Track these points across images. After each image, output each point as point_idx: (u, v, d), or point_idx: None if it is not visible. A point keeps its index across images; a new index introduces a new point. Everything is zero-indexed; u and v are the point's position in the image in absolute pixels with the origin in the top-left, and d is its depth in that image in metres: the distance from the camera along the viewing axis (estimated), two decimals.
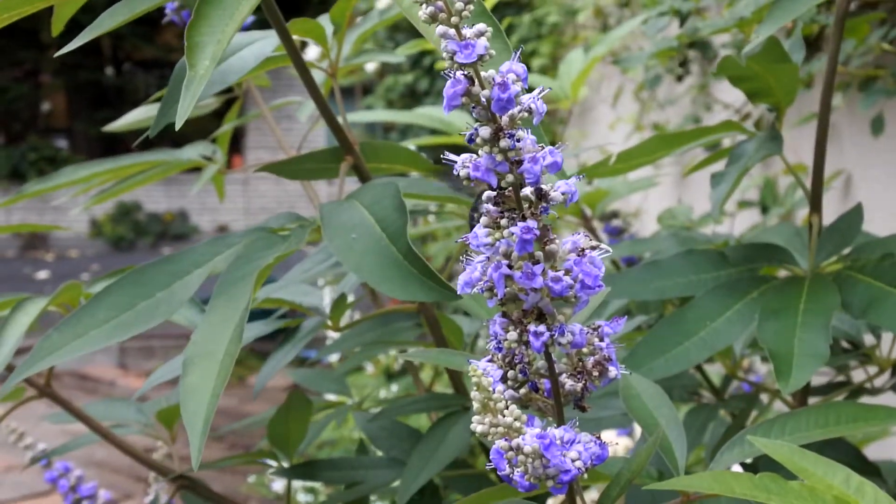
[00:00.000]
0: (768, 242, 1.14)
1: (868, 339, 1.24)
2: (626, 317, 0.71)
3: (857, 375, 1.35)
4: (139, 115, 1.52)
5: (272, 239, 0.94)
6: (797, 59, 1.10)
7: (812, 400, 1.25)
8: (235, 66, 0.98)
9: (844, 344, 1.27)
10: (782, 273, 1.13)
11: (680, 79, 3.41)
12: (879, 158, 2.65)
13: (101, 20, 0.84)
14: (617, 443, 1.18)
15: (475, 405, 0.57)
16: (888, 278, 1.00)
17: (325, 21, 1.13)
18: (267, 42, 1.01)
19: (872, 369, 1.26)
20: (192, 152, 1.45)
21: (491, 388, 0.58)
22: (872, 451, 1.45)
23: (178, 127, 0.73)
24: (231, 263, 0.92)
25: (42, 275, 11.91)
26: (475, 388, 0.57)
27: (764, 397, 1.41)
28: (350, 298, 1.26)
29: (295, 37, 1.02)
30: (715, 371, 1.62)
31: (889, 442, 2.17)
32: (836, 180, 2.86)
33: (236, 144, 15.89)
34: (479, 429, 0.57)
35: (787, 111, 1.16)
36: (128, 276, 0.95)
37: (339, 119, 1.06)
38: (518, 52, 0.63)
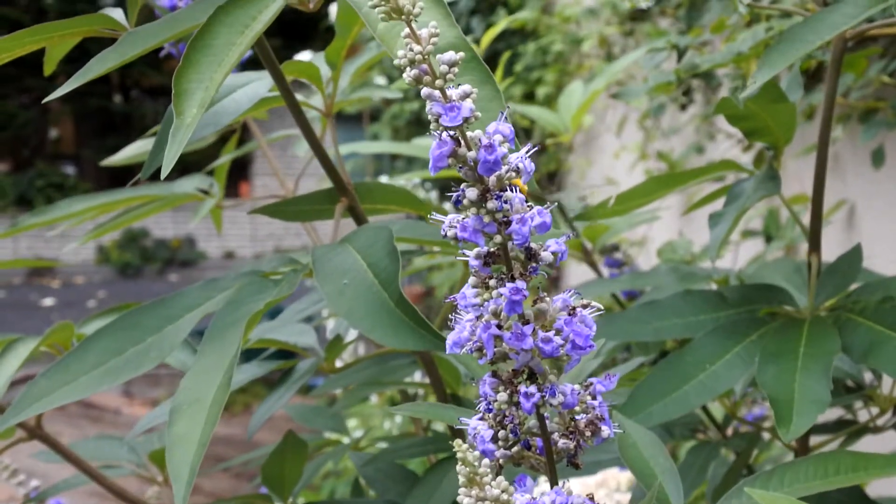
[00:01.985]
0: (767, 283, 1.13)
1: (869, 377, 1.23)
2: (617, 373, 0.70)
3: (862, 412, 1.33)
4: (138, 149, 1.51)
5: (264, 283, 0.93)
6: (794, 98, 1.09)
7: (814, 439, 1.23)
8: (229, 108, 0.97)
9: (849, 382, 1.25)
10: (782, 313, 1.12)
11: (683, 108, 3.40)
12: (882, 189, 2.64)
13: (90, 66, 0.83)
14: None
15: (460, 478, 0.56)
16: (889, 322, 0.98)
17: (320, 60, 1.13)
18: (261, 83, 1.00)
19: (875, 409, 1.24)
20: (189, 185, 1.45)
21: (476, 463, 0.56)
22: (875, 487, 1.44)
23: (163, 175, 0.72)
24: (222, 308, 0.91)
25: (48, 301, 11.91)
26: (460, 462, 0.56)
27: (766, 434, 1.40)
28: (353, 335, 1.25)
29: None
30: (718, 406, 1.61)
31: (892, 479, 2.14)
32: (840, 211, 2.85)
33: (244, 171, 15.93)
34: (465, 501, 0.56)
35: (791, 142, 1.15)
36: (119, 320, 0.94)
37: (334, 160, 1.05)
38: (504, 113, 0.62)
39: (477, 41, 1.82)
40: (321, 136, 1.18)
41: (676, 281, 1.38)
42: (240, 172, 15.91)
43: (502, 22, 1.74)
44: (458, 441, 0.58)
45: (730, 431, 1.41)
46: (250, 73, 1.03)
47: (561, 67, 5.53)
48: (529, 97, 5.88)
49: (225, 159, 1.51)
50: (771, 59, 0.90)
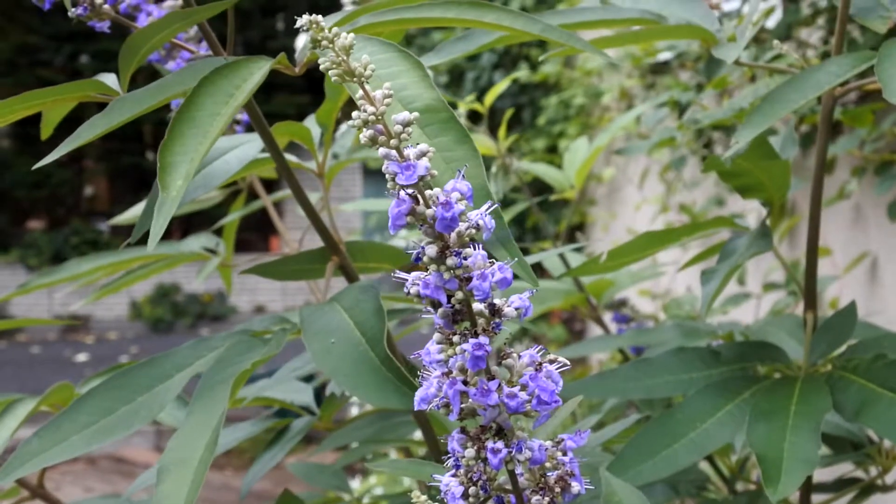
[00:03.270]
0: (762, 340, 1.13)
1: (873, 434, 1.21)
2: (588, 429, 0.70)
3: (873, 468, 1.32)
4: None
5: (252, 343, 0.94)
6: (788, 156, 1.10)
7: (816, 498, 1.22)
8: (219, 170, 0.99)
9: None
10: (777, 370, 1.11)
11: (705, 159, 3.40)
12: None
13: (79, 132, 0.85)
14: None
15: None
16: (880, 380, 0.98)
17: (312, 122, 1.14)
18: (251, 146, 1.02)
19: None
20: (195, 245, 1.46)
21: None
22: None
23: (150, 250, 0.73)
24: (211, 367, 0.92)
25: (81, 357, 11.97)
26: None
27: None
28: None
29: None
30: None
31: None
32: (862, 263, 2.83)
33: (273, 225, 15.97)
34: None
35: (785, 198, 1.15)
36: (110, 380, 0.95)
37: (326, 219, 1.06)
38: (462, 172, 0.63)
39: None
40: (327, 194, 1.19)
41: (680, 337, 1.38)
42: (270, 225, 15.99)
43: (504, 81, 1.75)
44: (416, 493, 0.58)
45: (755, 478, 1.39)
46: (242, 136, 1.04)
47: (583, 120, 5.56)
48: (552, 150, 5.91)
49: (232, 217, 1.53)
50: (753, 120, 0.91)
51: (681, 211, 3.71)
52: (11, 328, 1.36)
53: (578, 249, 1.79)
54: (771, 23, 2.95)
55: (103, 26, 0.99)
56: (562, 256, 1.64)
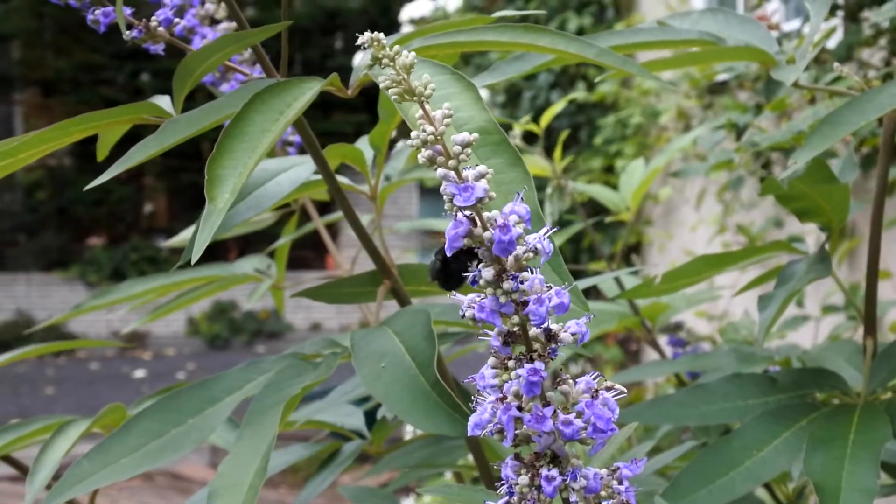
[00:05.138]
0: (820, 367, 1.10)
1: None
2: (644, 458, 0.68)
3: None
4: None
5: (303, 366, 0.94)
6: (847, 180, 1.08)
7: None
8: (271, 192, 0.99)
9: None
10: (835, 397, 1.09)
11: (763, 181, 3.36)
12: None
13: (131, 153, 0.85)
14: None
15: None
16: None
17: (365, 144, 1.14)
18: (304, 168, 1.02)
19: None
20: (248, 266, 1.47)
21: None
22: None
23: (193, 261, 0.74)
24: (261, 391, 0.92)
25: (139, 373, 12.09)
26: None
27: None
28: None
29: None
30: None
31: None
32: None
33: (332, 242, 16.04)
34: None
35: (844, 222, 1.13)
36: (160, 403, 0.95)
37: (378, 242, 1.06)
38: (521, 194, 0.62)
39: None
40: (379, 217, 1.19)
41: (736, 362, 1.35)
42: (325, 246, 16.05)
43: (560, 103, 1.74)
44: None
45: None
46: (294, 158, 1.04)
47: (640, 140, 5.52)
48: (609, 170, 5.88)
49: (283, 241, 1.53)
50: (812, 142, 0.89)
51: (738, 232, 3.66)
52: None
53: (634, 273, 1.77)
54: (832, 43, 2.91)
55: (158, 48, 1.00)
56: (617, 280, 1.62)
